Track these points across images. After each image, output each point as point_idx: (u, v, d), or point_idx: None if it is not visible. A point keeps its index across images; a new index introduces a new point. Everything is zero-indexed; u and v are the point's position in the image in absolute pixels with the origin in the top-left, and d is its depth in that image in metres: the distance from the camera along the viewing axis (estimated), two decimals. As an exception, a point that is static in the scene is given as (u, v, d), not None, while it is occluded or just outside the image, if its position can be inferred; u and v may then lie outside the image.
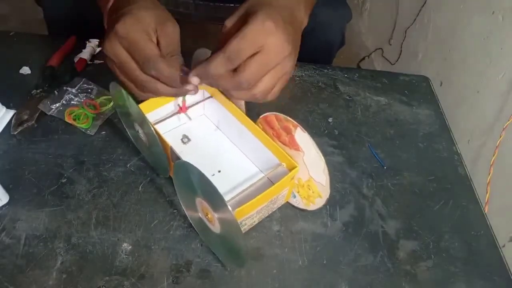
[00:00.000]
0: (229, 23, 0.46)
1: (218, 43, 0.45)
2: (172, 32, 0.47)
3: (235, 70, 0.44)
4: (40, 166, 0.55)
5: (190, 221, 0.51)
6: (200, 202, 0.45)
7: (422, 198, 0.59)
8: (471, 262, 0.53)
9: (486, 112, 0.94)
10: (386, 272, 0.51)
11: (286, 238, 0.52)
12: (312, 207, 0.52)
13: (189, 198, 0.47)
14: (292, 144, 0.50)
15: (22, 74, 0.66)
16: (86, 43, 0.70)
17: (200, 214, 0.47)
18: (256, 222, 0.52)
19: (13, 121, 0.59)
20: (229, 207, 0.40)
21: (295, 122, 0.49)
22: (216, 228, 0.45)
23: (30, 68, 0.67)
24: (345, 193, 0.58)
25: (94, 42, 0.71)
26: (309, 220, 0.54)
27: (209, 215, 0.45)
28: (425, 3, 1.26)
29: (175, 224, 0.52)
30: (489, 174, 0.77)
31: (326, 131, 0.65)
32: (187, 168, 0.43)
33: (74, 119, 0.60)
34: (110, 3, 0.50)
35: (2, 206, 0.51)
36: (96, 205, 0.52)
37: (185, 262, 0.49)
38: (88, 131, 0.59)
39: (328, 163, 0.61)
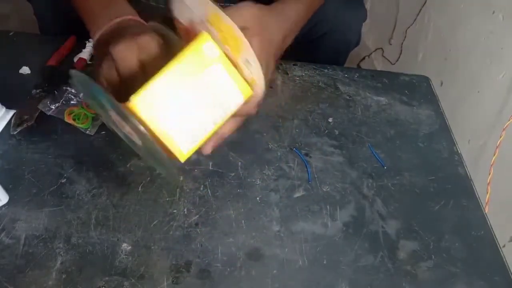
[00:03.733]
0: None
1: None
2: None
3: None
4: (40, 166, 0.55)
5: (126, 141, 0.46)
6: (113, 115, 0.41)
7: (423, 198, 0.59)
8: (471, 262, 0.53)
9: (486, 112, 0.94)
10: (386, 272, 0.50)
11: (286, 238, 0.52)
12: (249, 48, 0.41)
13: (105, 113, 0.43)
14: (190, 29, 0.43)
15: (22, 74, 0.66)
16: (86, 43, 0.70)
17: (122, 130, 0.43)
18: (210, 130, 0.41)
19: (12, 121, 0.59)
20: (119, 108, 0.35)
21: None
22: (137, 139, 0.41)
23: (30, 68, 0.67)
24: (345, 193, 0.58)
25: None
26: (309, 220, 0.54)
27: (126, 128, 0.41)
28: (425, 3, 1.26)
29: (175, 224, 0.52)
30: (489, 174, 0.77)
31: (326, 131, 0.65)
32: (83, 78, 0.40)
33: (74, 119, 0.60)
34: (102, 31, 0.48)
35: (2, 206, 0.51)
36: (96, 205, 0.52)
37: (185, 262, 0.48)
38: (88, 131, 0.59)
39: (328, 163, 0.61)
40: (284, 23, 0.52)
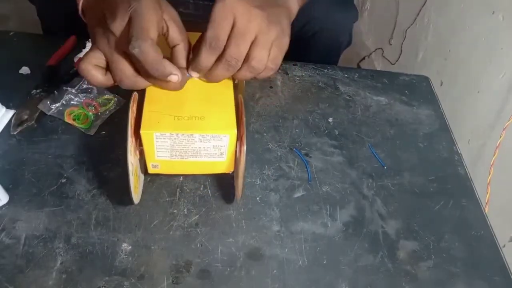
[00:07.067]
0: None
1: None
2: (178, 19, 0.46)
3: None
4: (40, 166, 0.55)
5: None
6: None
7: (422, 198, 0.59)
8: (471, 262, 0.53)
9: (486, 112, 0.94)
10: (386, 272, 0.50)
11: (286, 238, 0.52)
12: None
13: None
14: None
15: (22, 74, 0.66)
16: (86, 43, 0.70)
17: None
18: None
19: (13, 121, 0.59)
20: None
21: None
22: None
23: (30, 68, 0.67)
24: (345, 193, 0.58)
25: (94, 42, 0.71)
26: (309, 220, 0.54)
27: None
28: (425, 3, 1.26)
29: (175, 224, 0.52)
30: (489, 174, 0.77)
31: (326, 131, 0.65)
32: None
33: (74, 119, 0.60)
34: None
35: (2, 206, 0.51)
36: (96, 205, 0.52)
37: (185, 262, 0.48)
38: (88, 131, 0.59)
39: (328, 163, 0.61)
40: None
